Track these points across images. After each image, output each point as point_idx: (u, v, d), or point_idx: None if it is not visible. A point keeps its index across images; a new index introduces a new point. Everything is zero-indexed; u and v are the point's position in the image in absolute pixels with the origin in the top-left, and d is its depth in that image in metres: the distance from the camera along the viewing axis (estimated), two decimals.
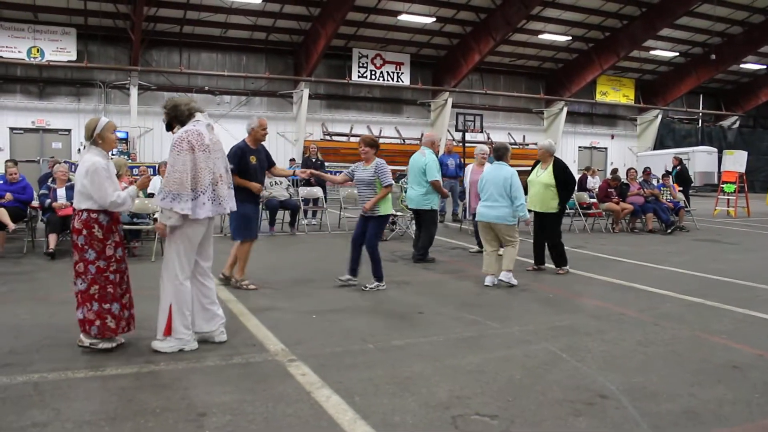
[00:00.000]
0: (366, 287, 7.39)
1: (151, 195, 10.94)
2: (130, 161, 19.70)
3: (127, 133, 23.43)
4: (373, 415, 3.84)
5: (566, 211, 9.57)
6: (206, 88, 25.16)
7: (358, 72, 26.92)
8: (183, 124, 5.04)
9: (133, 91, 23.82)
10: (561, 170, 8.70)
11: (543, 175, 8.72)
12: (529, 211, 8.75)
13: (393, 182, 7.68)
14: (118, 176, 9.38)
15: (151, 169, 13.39)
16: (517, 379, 4.54)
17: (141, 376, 4.44)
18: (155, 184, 11.39)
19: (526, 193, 8.20)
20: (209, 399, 4.02)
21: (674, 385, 4.52)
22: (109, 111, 23.85)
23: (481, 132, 27.75)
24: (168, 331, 4.90)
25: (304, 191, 13.54)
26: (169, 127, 5.16)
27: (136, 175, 12.10)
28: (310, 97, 26.07)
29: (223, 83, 25.61)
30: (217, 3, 22.72)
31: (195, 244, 5.00)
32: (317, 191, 13.71)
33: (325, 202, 14.25)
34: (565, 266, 8.71)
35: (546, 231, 8.80)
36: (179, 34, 24.70)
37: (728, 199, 19.18)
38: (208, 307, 5.12)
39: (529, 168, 9.22)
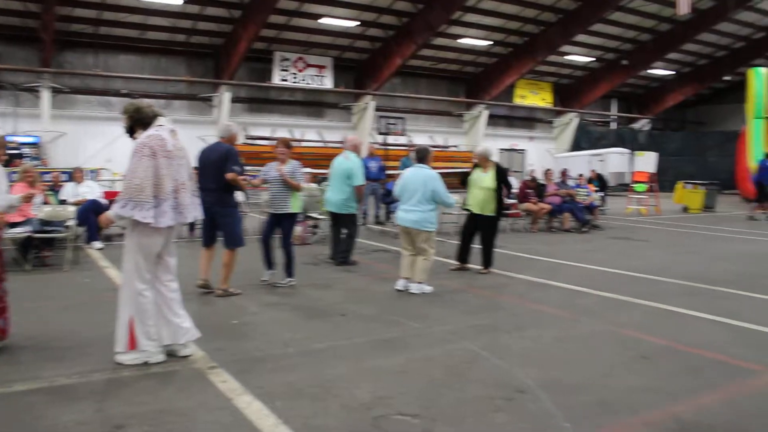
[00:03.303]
0: (279, 284, 7.60)
1: (63, 201, 10.60)
2: (41, 167, 18.92)
3: (39, 137, 22.51)
4: (295, 420, 3.82)
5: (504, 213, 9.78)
6: (124, 91, 24.45)
7: (280, 75, 26.73)
8: (146, 128, 4.81)
9: (45, 94, 22.89)
10: (503, 175, 8.90)
11: (485, 179, 8.84)
12: (468, 211, 8.92)
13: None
14: (31, 183, 9.06)
15: (66, 175, 12.91)
16: (439, 378, 4.61)
17: (52, 390, 4.26)
18: (68, 190, 11.03)
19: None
20: (126, 410, 3.91)
21: (589, 377, 4.69)
22: (20, 114, 22.87)
23: (403, 135, 28.00)
24: (132, 345, 4.70)
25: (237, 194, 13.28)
26: (131, 132, 4.90)
27: (49, 181, 11.63)
28: (231, 100, 25.71)
29: (142, 86, 24.92)
30: (135, 4, 22.13)
31: (154, 254, 4.79)
32: (239, 196, 13.49)
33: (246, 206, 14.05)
34: (491, 267, 8.87)
35: (483, 232, 8.94)
36: (95, 35, 23.91)
37: (639, 198, 19.95)
38: (172, 320, 4.90)
39: (459, 170, 9.36)
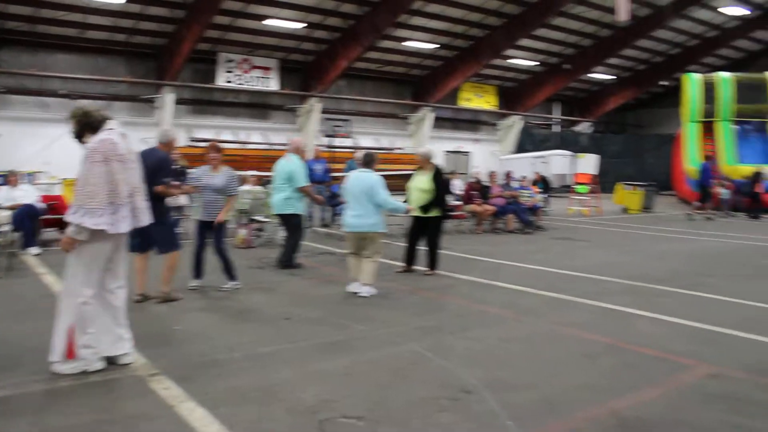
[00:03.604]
0: (222, 288, 7.52)
1: None
2: None
3: None
4: (240, 425, 3.78)
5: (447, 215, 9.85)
6: (62, 91, 23.77)
7: (225, 77, 26.40)
8: (95, 132, 4.63)
9: None
10: (439, 176, 8.95)
11: (421, 181, 8.90)
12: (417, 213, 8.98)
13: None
14: None
15: (0, 179, 12.47)
16: (384, 380, 4.61)
17: None
18: (2, 194, 10.66)
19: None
20: (63, 422, 3.79)
21: (533, 376, 4.76)
22: None
23: (349, 137, 27.97)
24: (71, 354, 4.52)
25: (170, 200, 13.04)
26: (80, 136, 4.71)
27: None
28: (175, 102, 25.28)
29: (81, 87, 24.27)
30: (74, 1, 21.53)
31: (102, 261, 4.63)
32: (182, 200, 13.27)
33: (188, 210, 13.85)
34: (436, 269, 8.91)
35: (428, 235, 8.99)
36: (32, 34, 23.19)
37: (581, 199, 20.37)
38: (114, 329, 4.74)
39: (404, 172, 9.40)
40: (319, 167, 14.06)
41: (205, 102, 27.25)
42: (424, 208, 8.80)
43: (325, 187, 13.86)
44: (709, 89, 25.55)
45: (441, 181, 8.95)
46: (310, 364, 4.93)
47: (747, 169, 21.94)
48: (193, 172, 7.68)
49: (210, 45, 25.61)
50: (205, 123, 26.86)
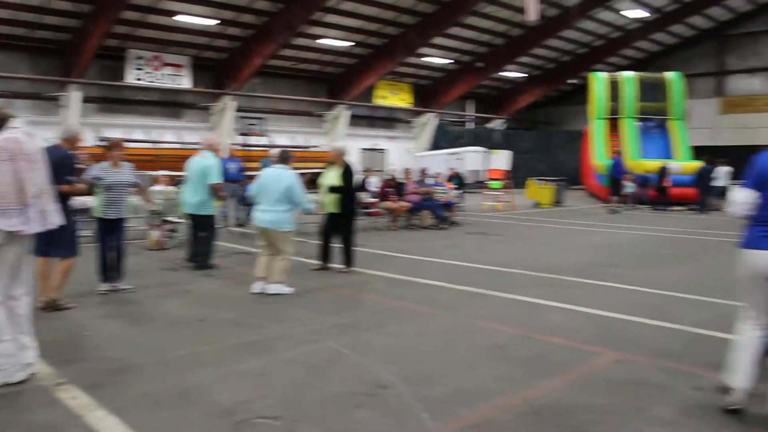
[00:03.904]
0: (123, 289, 7.39)
1: None
2: None
3: None
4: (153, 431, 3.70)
5: (358, 212, 9.88)
6: None
7: (135, 74, 25.61)
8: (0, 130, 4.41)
9: None
10: (349, 173, 8.96)
11: (331, 177, 8.91)
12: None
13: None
14: None
15: None
16: (301, 379, 4.60)
17: None
18: None
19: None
20: None
21: (448, 368, 4.85)
22: None
23: (264, 135, 27.66)
24: None
25: (77, 202, 12.56)
26: None
27: None
28: (82, 100, 24.34)
29: None
30: None
31: (9, 266, 4.40)
32: (89, 201, 12.80)
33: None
34: (352, 266, 8.94)
35: (341, 232, 8.99)
36: None
37: (495, 195, 20.83)
38: (19, 339, 4.48)
39: (315, 170, 9.38)
40: (233, 166, 13.85)
41: (114, 100, 26.34)
42: (335, 203, 8.82)
43: (239, 186, 13.67)
44: (614, 88, 26.56)
45: (351, 178, 8.98)
46: (225, 365, 4.87)
47: (650, 163, 22.94)
48: (92, 169, 7.38)
49: (119, 41, 24.77)
50: (114, 122, 25.96)
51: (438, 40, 29.78)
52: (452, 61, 33.28)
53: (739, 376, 3.98)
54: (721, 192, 19.69)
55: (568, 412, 4.06)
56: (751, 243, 3.96)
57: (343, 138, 30.39)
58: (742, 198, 4.01)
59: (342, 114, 31.71)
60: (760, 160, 4.03)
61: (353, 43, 29.01)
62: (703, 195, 20.66)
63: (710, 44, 37.62)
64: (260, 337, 5.68)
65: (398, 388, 4.41)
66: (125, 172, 7.36)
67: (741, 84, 37.25)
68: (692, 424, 3.91)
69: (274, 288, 7.34)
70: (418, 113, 35.80)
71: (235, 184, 13.61)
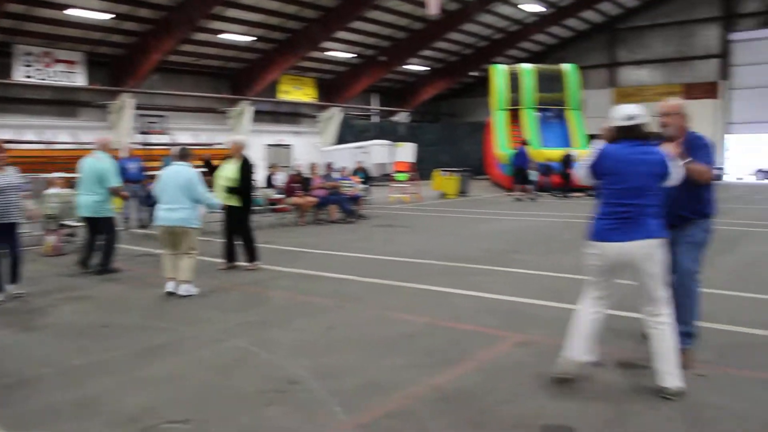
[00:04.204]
0: (14, 294, 7.09)
1: None
2: None
3: None
4: None
5: (254, 207, 9.75)
6: None
7: (24, 71, 24.33)
8: None
9: None
10: (247, 167, 8.84)
11: (229, 170, 8.78)
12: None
13: None
14: None
15: None
16: (210, 380, 4.53)
17: None
18: None
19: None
20: None
21: (358, 360, 4.88)
22: None
23: (166, 133, 26.91)
24: None
25: None
26: None
27: None
28: None
29: None
30: None
31: None
32: None
33: None
34: (257, 261, 8.84)
35: (236, 226, 8.85)
36: None
37: (401, 187, 21.05)
38: None
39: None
40: (133, 166, 13.42)
41: (1, 99, 24.97)
42: (232, 197, 8.70)
43: (140, 186, 13.26)
44: (514, 79, 27.32)
45: (248, 172, 8.86)
46: (130, 371, 4.72)
47: (552, 152, 23.72)
48: None
49: (4, 36, 23.48)
50: (2, 122, 24.62)
51: (341, 34, 29.75)
52: (355, 55, 33.34)
53: (574, 348, 4.28)
54: None
55: (476, 396, 4.17)
56: (599, 236, 4.23)
57: (247, 134, 29.94)
58: (585, 167, 4.37)
59: (246, 110, 31.23)
60: (608, 152, 4.29)
61: (255, 38, 28.58)
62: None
63: (602, 38, 39.32)
64: (167, 339, 5.53)
65: (309, 382, 4.41)
66: (11, 176, 7.00)
67: (631, 75, 39.17)
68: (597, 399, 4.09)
69: (181, 289, 7.16)
70: (322, 108, 35.68)
71: (136, 184, 13.19)
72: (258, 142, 31.99)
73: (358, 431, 3.72)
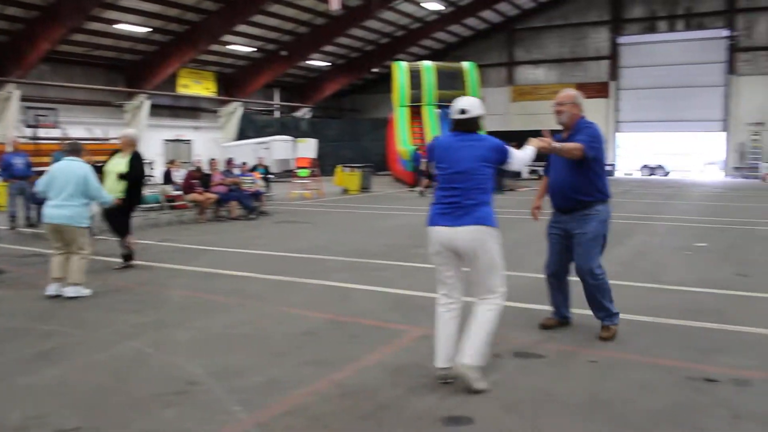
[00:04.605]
0: None
1: None
2: None
3: None
4: None
5: (141, 203, 9.46)
6: None
7: None
8: None
9: None
10: (137, 160, 8.54)
11: (118, 164, 8.44)
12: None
13: None
14: None
15: None
16: (103, 384, 4.36)
17: None
18: None
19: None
20: None
21: (259, 359, 4.83)
22: None
23: (56, 127, 25.67)
24: None
25: None
26: None
27: None
28: None
29: None
30: None
31: None
32: None
33: None
34: (132, 260, 8.49)
35: (118, 220, 8.50)
36: None
37: (303, 183, 20.95)
38: None
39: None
40: (19, 161, 12.72)
41: None
42: (120, 191, 8.38)
43: (28, 183, 12.60)
44: (415, 76, 27.67)
45: (138, 166, 8.56)
46: (15, 379, 4.47)
47: None
48: None
49: None
50: None
51: (242, 28, 29.24)
52: (256, 49, 32.85)
53: (440, 353, 4.35)
54: (516, 174, 21.23)
55: (377, 391, 4.20)
56: (432, 221, 4.40)
57: (144, 129, 29.01)
58: (425, 166, 4.52)
59: (143, 104, 30.20)
60: (438, 142, 4.53)
61: (152, 29, 27.67)
62: (498, 176, 22.14)
63: (501, 37, 40.47)
64: (56, 344, 5.28)
65: (208, 383, 4.32)
66: None
67: (527, 74, 40.52)
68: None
69: (71, 290, 6.83)
70: (223, 102, 34.98)
71: (23, 180, 12.53)
72: (156, 137, 31.06)
73: (257, 430, 3.68)
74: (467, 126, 4.43)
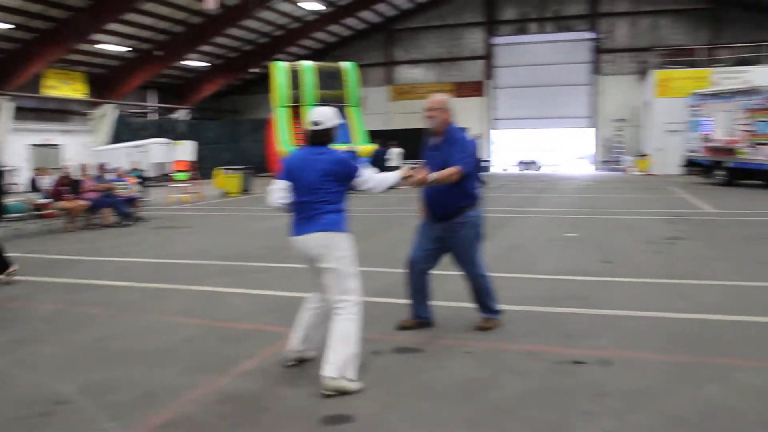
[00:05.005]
0: None
1: None
2: None
3: None
4: None
5: (8, 214, 8.91)
6: None
7: None
8: None
9: None
10: None
11: None
12: None
13: None
14: None
15: None
16: None
17: None
18: None
19: None
20: None
21: (134, 371, 4.67)
22: None
23: None
24: None
25: None
26: None
27: None
28: None
29: None
30: None
31: None
32: None
33: None
34: (11, 269, 7.98)
35: None
36: None
37: (181, 187, 20.38)
38: None
39: None
40: None
41: None
42: None
43: None
44: (295, 76, 27.48)
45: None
46: None
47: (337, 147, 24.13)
48: None
49: None
50: None
51: (113, 26, 28.04)
52: (130, 48, 31.60)
53: (295, 337, 4.64)
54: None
55: (257, 395, 4.19)
56: (292, 231, 4.52)
57: (7, 133, 27.28)
58: (277, 188, 4.59)
59: (4, 106, 28.36)
60: (289, 159, 4.65)
61: (13, 26, 26.02)
62: None
63: (380, 37, 40.99)
64: None
65: (78, 401, 4.14)
66: None
67: (406, 74, 41.28)
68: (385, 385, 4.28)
69: None
70: (94, 105, 33.44)
71: None
72: (21, 141, 29.26)
73: None
74: (319, 138, 4.51)
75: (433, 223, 5.35)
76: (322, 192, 4.37)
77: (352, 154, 23.31)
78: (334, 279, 4.36)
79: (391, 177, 4.75)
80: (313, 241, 4.35)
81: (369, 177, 4.54)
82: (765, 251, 9.30)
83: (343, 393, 4.12)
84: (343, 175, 4.44)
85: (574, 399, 4.06)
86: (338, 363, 4.17)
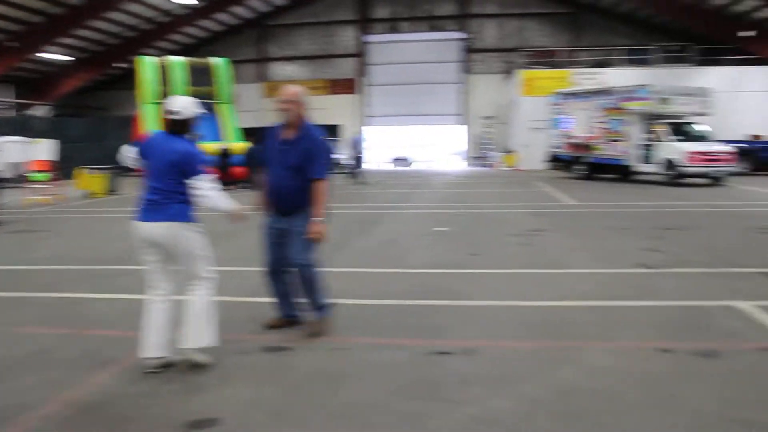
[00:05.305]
0: None
1: None
2: None
3: None
4: None
5: None
6: None
7: None
8: None
9: None
10: None
11: None
12: None
13: None
14: None
15: None
16: None
17: None
18: None
19: None
20: None
21: None
22: None
23: None
24: None
25: None
26: None
27: None
28: None
29: None
30: None
31: None
32: None
33: None
34: None
35: None
36: None
37: (40, 188, 19.21)
38: None
39: None
40: None
41: None
42: None
43: None
44: (164, 72, 26.55)
45: None
46: None
47: (206, 146, 23.55)
48: None
49: None
50: None
51: None
52: None
53: (150, 343, 4.51)
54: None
55: (119, 402, 4.04)
56: (135, 215, 4.53)
57: None
58: (131, 153, 4.75)
59: None
60: (146, 140, 4.72)
61: None
62: (253, 173, 22.10)
63: (253, 33, 40.45)
64: None
65: None
66: None
67: (280, 70, 41.00)
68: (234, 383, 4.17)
69: None
70: None
71: None
72: None
73: None
74: (176, 127, 4.51)
75: (278, 219, 5.24)
76: (169, 181, 4.40)
77: (203, 154, 22.78)
78: (187, 263, 4.48)
79: (228, 205, 4.64)
80: (161, 229, 4.39)
81: (208, 191, 4.47)
82: (620, 240, 9.93)
83: (195, 366, 4.36)
84: (185, 169, 4.41)
85: (439, 389, 4.15)
86: (197, 335, 4.39)
